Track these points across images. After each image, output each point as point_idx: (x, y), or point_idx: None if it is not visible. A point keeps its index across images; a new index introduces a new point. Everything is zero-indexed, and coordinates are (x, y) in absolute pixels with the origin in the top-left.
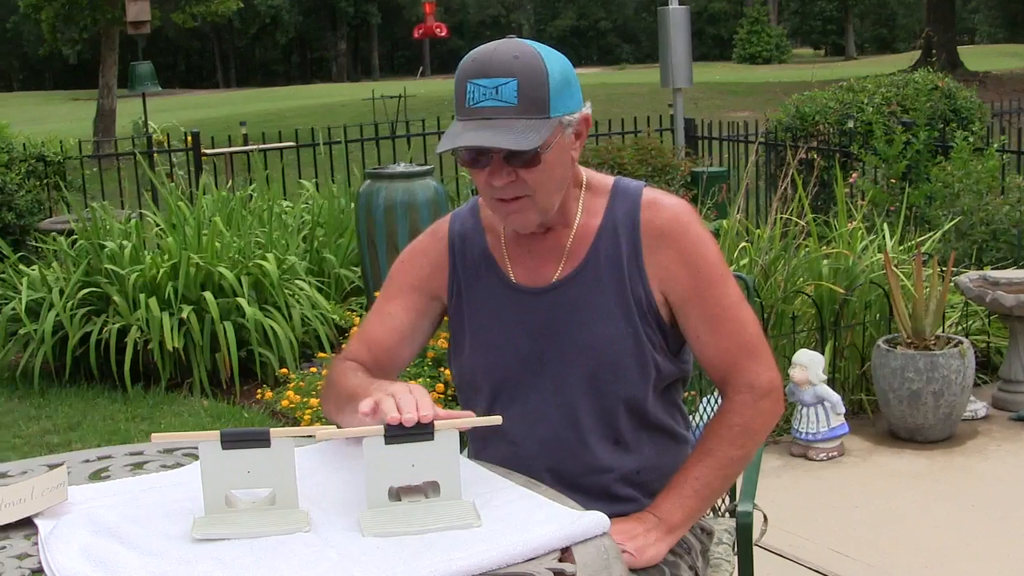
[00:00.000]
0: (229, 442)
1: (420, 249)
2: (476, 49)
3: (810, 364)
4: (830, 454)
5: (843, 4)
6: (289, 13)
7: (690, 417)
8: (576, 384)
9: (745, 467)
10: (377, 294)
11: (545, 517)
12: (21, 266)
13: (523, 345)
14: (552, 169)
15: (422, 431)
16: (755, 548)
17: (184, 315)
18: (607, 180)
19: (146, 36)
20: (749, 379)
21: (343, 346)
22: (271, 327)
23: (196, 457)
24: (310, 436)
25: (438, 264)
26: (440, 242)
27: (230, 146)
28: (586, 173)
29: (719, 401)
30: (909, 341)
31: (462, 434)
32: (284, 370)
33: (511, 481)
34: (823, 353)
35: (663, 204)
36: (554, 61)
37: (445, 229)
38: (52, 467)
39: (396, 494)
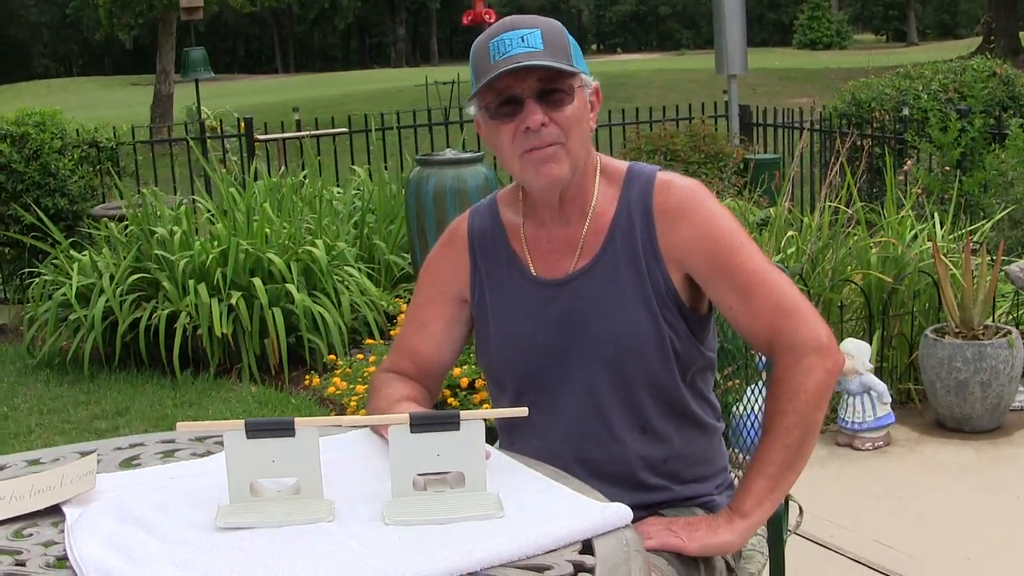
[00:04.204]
0: (254, 431)
1: (441, 253)
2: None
3: (856, 353)
4: (876, 444)
5: None
6: None
7: (731, 407)
8: (599, 373)
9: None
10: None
11: (568, 509)
12: (73, 252)
13: (545, 337)
14: (580, 117)
15: (448, 420)
16: (794, 537)
17: (233, 301)
18: (621, 165)
19: (201, 22)
20: (789, 339)
21: (392, 332)
22: (320, 313)
23: None
24: (336, 426)
25: (459, 266)
26: (459, 242)
27: (283, 132)
28: (600, 158)
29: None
30: (957, 331)
31: (491, 428)
32: (332, 356)
33: (538, 472)
34: (871, 342)
35: (675, 185)
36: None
37: (464, 227)
38: (83, 455)
39: (422, 484)
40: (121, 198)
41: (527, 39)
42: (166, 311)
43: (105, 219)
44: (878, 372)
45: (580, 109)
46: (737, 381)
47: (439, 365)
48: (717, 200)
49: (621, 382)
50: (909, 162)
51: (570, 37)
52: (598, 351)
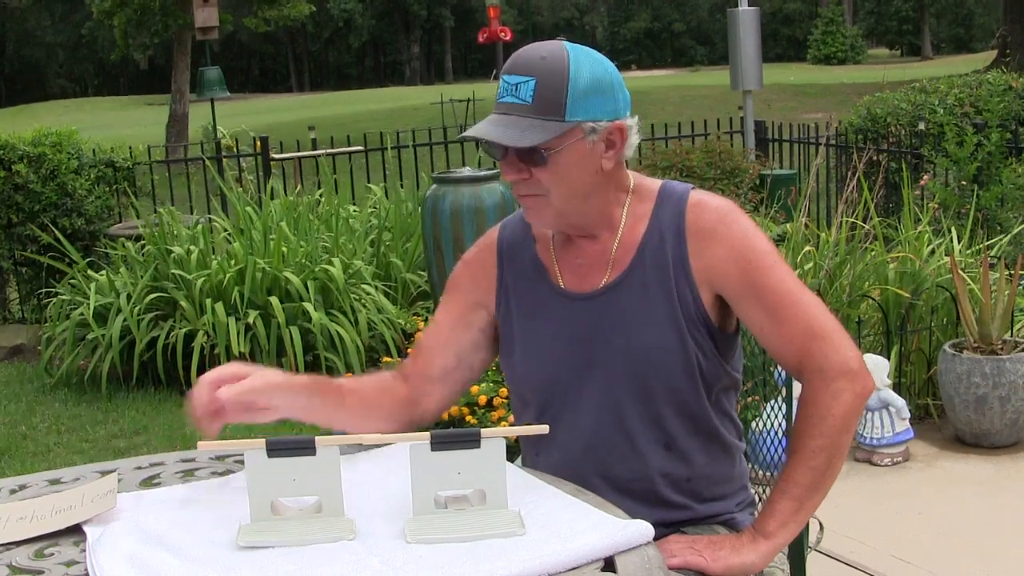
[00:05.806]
0: (274, 450)
1: (468, 259)
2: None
3: (874, 369)
4: (895, 459)
5: (919, 3)
6: (362, 17)
7: (750, 423)
8: (624, 389)
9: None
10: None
11: (589, 526)
12: (90, 271)
13: (571, 351)
14: (567, 172)
15: (469, 438)
16: (814, 554)
17: (250, 320)
18: (654, 184)
19: (216, 41)
20: (818, 362)
21: (409, 350)
22: (337, 332)
23: None
24: (357, 444)
25: (485, 272)
26: (488, 250)
27: (299, 151)
28: (634, 178)
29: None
30: (976, 345)
31: (513, 443)
32: (349, 375)
33: (559, 489)
34: (889, 358)
35: (708, 205)
36: (586, 67)
37: (495, 237)
38: (104, 474)
39: (443, 502)
40: (138, 217)
41: (519, 89)
42: (183, 330)
43: (122, 239)
44: (896, 388)
45: (566, 165)
46: (756, 397)
47: (437, 366)
48: (751, 219)
49: (645, 398)
50: (926, 177)
51: (577, 83)
52: (623, 367)
